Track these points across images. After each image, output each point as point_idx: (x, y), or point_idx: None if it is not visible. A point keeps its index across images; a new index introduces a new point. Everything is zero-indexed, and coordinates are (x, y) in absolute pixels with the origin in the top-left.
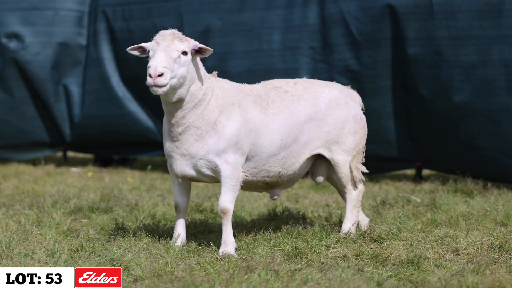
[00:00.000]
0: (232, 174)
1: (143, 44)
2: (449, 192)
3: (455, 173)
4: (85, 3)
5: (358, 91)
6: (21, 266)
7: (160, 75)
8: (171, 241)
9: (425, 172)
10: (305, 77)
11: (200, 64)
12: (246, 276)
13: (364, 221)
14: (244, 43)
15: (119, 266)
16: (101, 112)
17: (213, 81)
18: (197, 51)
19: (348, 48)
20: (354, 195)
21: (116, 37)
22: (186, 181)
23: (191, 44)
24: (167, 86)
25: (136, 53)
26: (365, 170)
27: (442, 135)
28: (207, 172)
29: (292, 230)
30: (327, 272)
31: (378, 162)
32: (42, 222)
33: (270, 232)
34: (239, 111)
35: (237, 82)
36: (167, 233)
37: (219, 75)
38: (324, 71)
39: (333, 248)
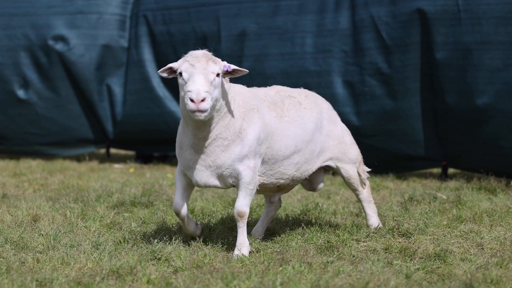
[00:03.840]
0: (252, 179)
1: (172, 65)
2: (473, 189)
3: (479, 172)
4: (127, 8)
5: (388, 93)
6: (67, 257)
7: (203, 100)
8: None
9: (451, 170)
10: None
11: (224, 80)
12: (280, 268)
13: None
14: (278, 46)
15: (159, 258)
16: (142, 111)
17: (232, 88)
18: (229, 72)
19: (379, 51)
20: (365, 193)
21: (157, 40)
22: (190, 190)
23: (221, 65)
24: (209, 111)
25: (165, 74)
26: (369, 169)
27: (467, 135)
28: (230, 180)
29: (324, 224)
30: (358, 265)
31: (406, 161)
32: (86, 215)
33: (303, 227)
34: (258, 115)
35: (272, 83)
36: (205, 226)
37: (256, 76)
38: (356, 73)
39: (363, 242)
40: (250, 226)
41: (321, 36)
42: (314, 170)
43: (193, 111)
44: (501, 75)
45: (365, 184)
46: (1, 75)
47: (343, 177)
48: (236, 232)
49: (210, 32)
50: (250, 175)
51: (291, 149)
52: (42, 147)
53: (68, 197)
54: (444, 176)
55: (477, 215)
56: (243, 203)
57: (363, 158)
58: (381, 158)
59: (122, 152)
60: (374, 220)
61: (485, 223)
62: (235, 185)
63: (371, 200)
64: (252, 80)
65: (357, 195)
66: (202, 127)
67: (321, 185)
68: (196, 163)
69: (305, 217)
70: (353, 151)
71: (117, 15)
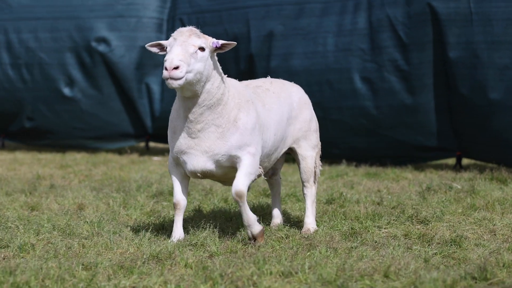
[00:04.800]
0: (253, 162)
1: (161, 42)
2: (486, 180)
3: (492, 162)
4: (164, 12)
5: (406, 88)
6: (110, 243)
7: (176, 68)
8: (170, 239)
9: (465, 162)
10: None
11: (217, 64)
12: (308, 253)
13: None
14: (303, 46)
15: (196, 243)
16: None
17: (226, 80)
18: (218, 48)
19: (397, 49)
20: (313, 190)
21: None
22: (187, 180)
23: (209, 41)
24: (183, 80)
25: (155, 50)
26: (321, 168)
27: (479, 128)
28: (227, 164)
29: (348, 213)
30: (380, 250)
31: (424, 152)
32: (128, 204)
33: (328, 215)
34: (253, 107)
35: (297, 80)
36: (238, 214)
37: (283, 74)
38: (374, 70)
39: (384, 228)
40: (266, 216)
41: (341, 36)
42: (279, 157)
43: (166, 78)
44: (510, 73)
45: (315, 180)
46: (48, 75)
47: (299, 162)
48: (240, 212)
49: (241, 33)
50: (250, 159)
51: (272, 139)
52: (86, 141)
53: (110, 187)
54: (458, 166)
55: (490, 203)
56: (241, 182)
57: (383, 149)
58: (400, 149)
59: (160, 145)
60: (312, 219)
61: (497, 211)
62: (235, 168)
63: (315, 201)
64: (278, 77)
65: (304, 188)
66: (191, 107)
67: (278, 176)
68: (191, 148)
69: (330, 205)
70: (314, 137)
71: (155, 19)
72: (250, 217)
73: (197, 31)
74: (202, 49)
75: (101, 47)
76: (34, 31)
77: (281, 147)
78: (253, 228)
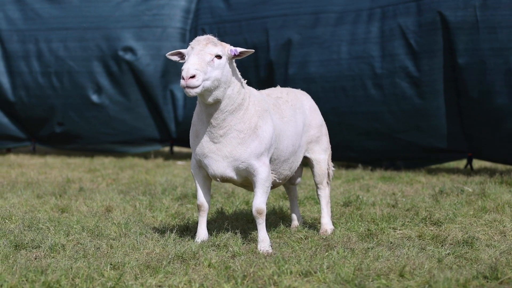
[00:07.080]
0: (268, 176)
1: (181, 50)
2: (496, 183)
3: (501, 162)
4: (187, 22)
5: (417, 94)
6: (137, 243)
7: (192, 77)
8: (194, 240)
9: (475, 166)
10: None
11: (236, 69)
12: (326, 253)
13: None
14: (318, 54)
15: (219, 244)
16: None
17: (247, 87)
18: (237, 55)
19: (408, 57)
20: (327, 191)
21: None
22: (209, 182)
23: (226, 48)
24: (200, 88)
25: (175, 58)
26: (333, 168)
27: (488, 130)
28: (244, 174)
29: (364, 215)
30: (395, 250)
31: (436, 153)
32: (153, 207)
33: (345, 217)
34: (270, 117)
35: (313, 87)
36: None
37: (299, 81)
38: (385, 76)
39: (399, 230)
40: (285, 219)
41: (355, 44)
42: (299, 165)
43: (183, 87)
44: None
45: (328, 181)
46: (77, 82)
47: (312, 166)
48: (257, 228)
49: (260, 42)
50: (266, 172)
51: (290, 149)
52: (114, 145)
53: (137, 190)
54: (469, 166)
55: (500, 206)
56: (261, 201)
57: (398, 151)
58: (413, 151)
59: (184, 150)
60: (328, 219)
61: (507, 213)
62: (251, 181)
63: (329, 202)
64: (296, 84)
65: (318, 190)
66: (213, 113)
67: (299, 180)
68: (213, 152)
69: (347, 208)
70: (325, 141)
71: (179, 29)
72: (266, 237)
73: (214, 39)
74: (219, 56)
75: (128, 56)
76: (63, 41)
77: (299, 155)
78: (263, 245)
